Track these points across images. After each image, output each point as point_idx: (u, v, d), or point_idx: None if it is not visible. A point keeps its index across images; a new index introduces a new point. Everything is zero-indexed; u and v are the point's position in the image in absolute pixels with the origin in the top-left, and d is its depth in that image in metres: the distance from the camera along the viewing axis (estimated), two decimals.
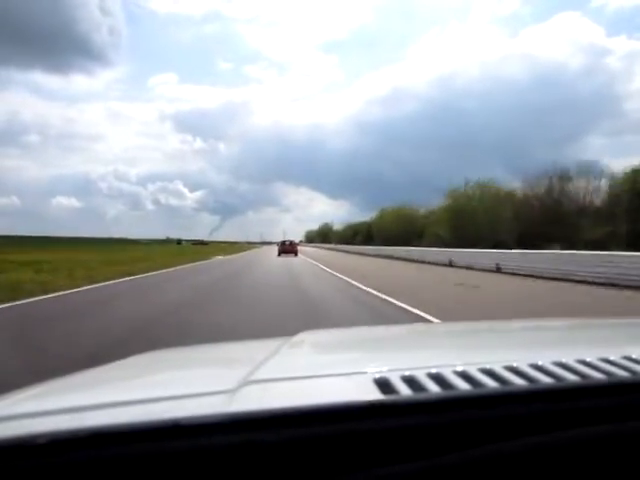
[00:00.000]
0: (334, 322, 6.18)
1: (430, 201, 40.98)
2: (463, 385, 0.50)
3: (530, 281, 13.05)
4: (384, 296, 9.02)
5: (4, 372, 3.47)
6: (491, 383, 0.51)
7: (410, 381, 0.52)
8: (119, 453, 0.41)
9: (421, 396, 0.48)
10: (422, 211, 42.75)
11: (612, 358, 0.58)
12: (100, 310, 7.32)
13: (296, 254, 35.34)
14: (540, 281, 12.93)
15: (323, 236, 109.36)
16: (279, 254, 35.40)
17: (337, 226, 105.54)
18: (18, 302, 7.89)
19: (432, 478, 0.43)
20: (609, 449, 0.46)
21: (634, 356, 0.58)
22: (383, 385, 0.51)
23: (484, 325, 1.40)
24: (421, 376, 0.53)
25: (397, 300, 8.30)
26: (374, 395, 0.49)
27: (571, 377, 0.52)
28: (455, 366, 0.56)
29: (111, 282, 12.13)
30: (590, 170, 28.22)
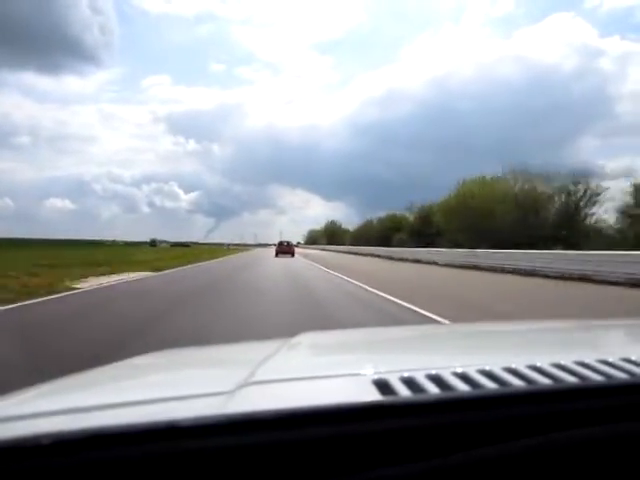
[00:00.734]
0: None
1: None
2: (462, 386, 0.50)
3: None
4: None
5: None
6: (490, 384, 0.51)
7: (409, 382, 0.52)
8: (118, 454, 0.41)
9: (420, 397, 0.48)
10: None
11: (611, 360, 0.58)
12: None
13: (293, 255, 36.53)
14: None
15: (330, 236, 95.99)
16: (276, 254, 36.20)
17: (346, 224, 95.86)
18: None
19: (431, 479, 0.43)
20: (608, 450, 0.46)
21: (633, 358, 0.59)
22: (382, 386, 0.51)
23: (483, 327, 1.40)
24: (420, 377, 0.53)
25: None
26: (373, 396, 0.49)
27: (570, 379, 0.52)
28: (454, 367, 0.56)
29: None
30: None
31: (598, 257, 14.22)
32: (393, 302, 8.35)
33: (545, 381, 0.52)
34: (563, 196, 30.20)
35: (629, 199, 24.77)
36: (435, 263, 24.15)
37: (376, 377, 0.54)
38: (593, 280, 13.03)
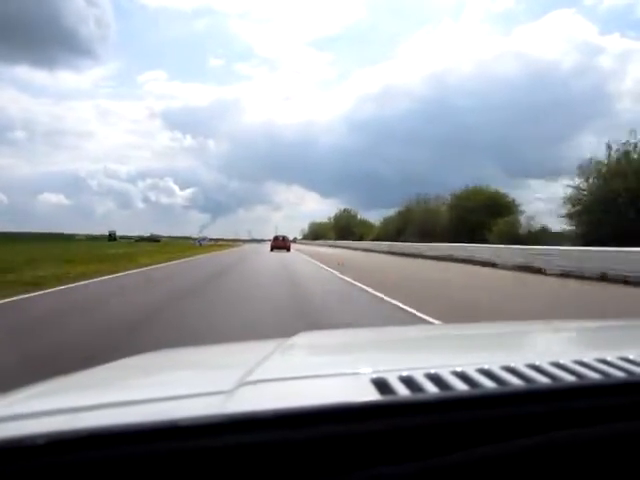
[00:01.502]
0: None
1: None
2: (461, 385, 0.51)
3: None
4: None
5: None
6: (489, 383, 0.51)
7: (408, 381, 0.52)
8: (117, 454, 0.41)
9: (419, 396, 0.48)
10: None
11: (609, 359, 0.58)
12: None
13: (288, 249, 35.51)
14: None
15: (340, 231, 73.01)
16: (272, 249, 35.29)
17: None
18: None
19: (429, 479, 0.43)
20: (606, 449, 0.46)
21: (631, 357, 0.59)
22: (381, 385, 0.51)
23: (482, 326, 1.41)
24: (419, 376, 0.53)
25: None
26: (372, 395, 0.49)
27: (568, 377, 0.53)
28: (453, 367, 0.56)
29: None
30: None
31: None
32: None
33: (544, 380, 0.52)
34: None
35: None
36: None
37: (375, 376, 0.54)
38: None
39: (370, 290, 9.49)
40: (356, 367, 0.62)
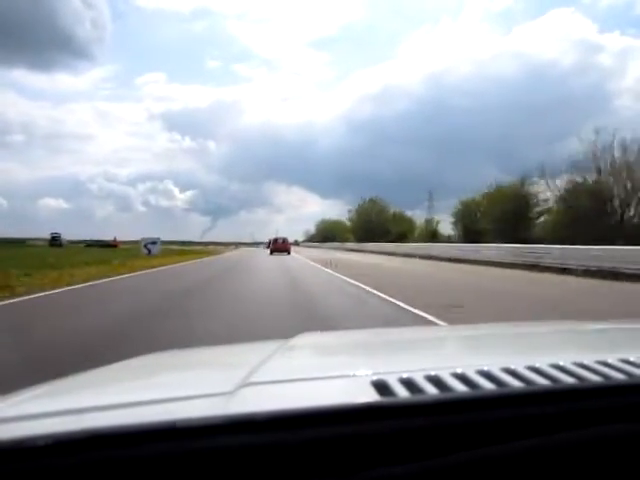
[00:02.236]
0: None
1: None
2: (460, 387, 0.51)
3: None
4: None
5: None
6: (488, 385, 0.51)
7: (408, 383, 0.52)
8: (118, 455, 0.41)
9: (419, 398, 0.48)
10: None
11: (609, 361, 0.58)
12: None
13: (289, 252, 33.45)
14: None
15: (362, 229, 55.44)
16: (271, 252, 32.89)
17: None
18: None
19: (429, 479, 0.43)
20: (606, 451, 0.46)
21: (631, 359, 0.59)
22: (381, 387, 0.51)
23: (481, 328, 1.41)
24: (419, 378, 0.53)
25: None
26: (372, 397, 0.49)
27: (568, 379, 0.53)
28: (452, 368, 0.56)
29: None
30: None
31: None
32: None
33: (543, 382, 0.52)
34: None
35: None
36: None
37: (375, 378, 0.54)
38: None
39: None
40: (356, 369, 0.62)
